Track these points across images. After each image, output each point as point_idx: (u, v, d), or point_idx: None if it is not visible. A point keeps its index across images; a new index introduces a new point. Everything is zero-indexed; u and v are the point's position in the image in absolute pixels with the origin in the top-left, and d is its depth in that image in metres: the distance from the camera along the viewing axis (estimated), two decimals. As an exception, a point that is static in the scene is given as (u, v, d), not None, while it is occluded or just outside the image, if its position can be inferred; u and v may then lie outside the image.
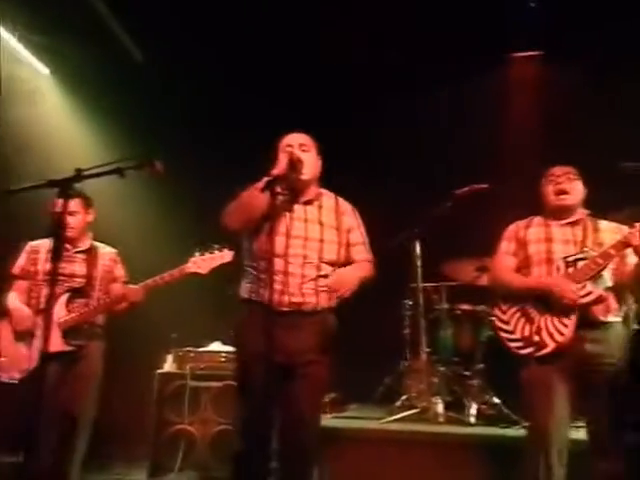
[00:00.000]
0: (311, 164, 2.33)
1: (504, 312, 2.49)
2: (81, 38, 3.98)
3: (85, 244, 2.99)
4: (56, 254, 1.76)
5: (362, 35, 4.00)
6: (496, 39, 4.10)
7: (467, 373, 3.91)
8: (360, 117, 4.79)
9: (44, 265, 2.89)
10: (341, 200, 2.45)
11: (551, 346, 2.31)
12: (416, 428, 3.37)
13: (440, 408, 3.52)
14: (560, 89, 4.30)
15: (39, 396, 1.68)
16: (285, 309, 2.19)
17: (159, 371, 3.92)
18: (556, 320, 2.33)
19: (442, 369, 3.92)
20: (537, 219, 2.59)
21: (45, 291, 2.80)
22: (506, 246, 2.58)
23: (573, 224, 2.49)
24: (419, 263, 3.89)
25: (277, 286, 2.15)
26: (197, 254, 2.81)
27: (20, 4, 3.71)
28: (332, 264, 2.31)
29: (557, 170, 2.55)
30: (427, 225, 3.84)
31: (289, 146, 2.32)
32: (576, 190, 2.51)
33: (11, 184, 3.03)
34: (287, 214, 2.26)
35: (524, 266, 2.50)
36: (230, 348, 3.94)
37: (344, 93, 4.62)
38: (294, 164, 2.18)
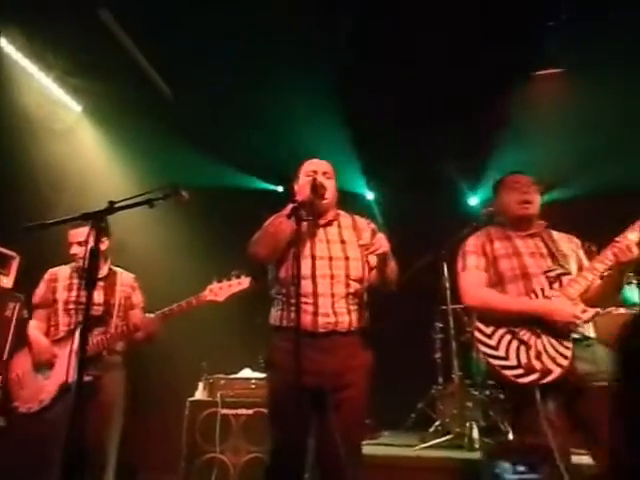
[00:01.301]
0: (332, 189, 2.38)
1: (489, 336, 2.21)
2: (112, 76, 4.15)
3: (103, 271, 2.98)
4: (89, 285, 1.81)
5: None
6: (519, 58, 4.10)
7: (502, 397, 3.80)
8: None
9: (62, 293, 2.91)
10: (357, 217, 2.47)
11: (557, 371, 2.08)
12: (451, 455, 3.28)
13: (475, 434, 3.43)
14: (582, 105, 4.28)
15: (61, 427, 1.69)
16: (320, 330, 2.18)
17: (190, 399, 3.94)
18: (555, 342, 2.14)
19: (476, 393, 3.82)
20: (494, 231, 2.43)
21: (64, 319, 2.84)
22: (475, 261, 2.36)
23: (532, 235, 2.37)
24: (447, 285, 3.84)
25: (309, 308, 2.16)
26: (215, 282, 2.81)
27: (55, 48, 3.92)
28: (359, 281, 2.30)
29: (521, 178, 2.43)
30: (455, 245, 3.81)
31: (314, 172, 2.38)
32: (537, 200, 2.39)
33: (47, 218, 3.20)
34: (309, 237, 2.29)
35: (496, 283, 2.31)
36: (260, 375, 3.94)
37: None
38: (317, 189, 2.23)
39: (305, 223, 2.21)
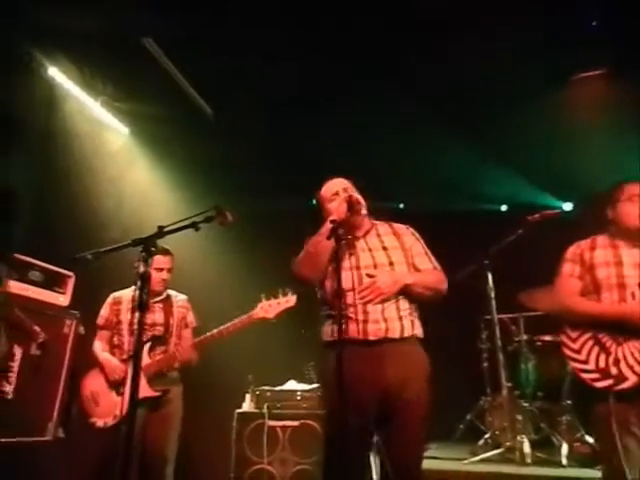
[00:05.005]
0: (362, 200, 2.38)
1: (574, 340, 2.31)
2: (156, 99, 4.32)
3: (163, 294, 3.24)
4: (141, 307, 1.90)
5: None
6: (560, 59, 4.00)
7: (554, 409, 3.69)
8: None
9: (126, 315, 3.14)
10: (395, 224, 2.47)
11: (632, 379, 2.12)
12: (502, 470, 3.20)
13: (527, 447, 3.33)
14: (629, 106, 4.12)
15: (130, 440, 1.78)
16: (370, 338, 2.15)
17: (238, 411, 4.01)
18: (636, 350, 2.16)
19: (526, 405, 3.73)
20: (601, 239, 2.40)
21: (130, 340, 3.06)
22: (570, 268, 2.40)
23: None
24: (492, 294, 3.77)
25: (359, 317, 2.16)
26: (264, 300, 3.00)
27: (105, 76, 4.14)
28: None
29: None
30: (498, 254, 3.74)
31: (344, 190, 2.38)
32: None
33: (103, 240, 3.36)
34: (351, 251, 2.31)
35: (591, 291, 2.33)
36: (305, 387, 3.97)
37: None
38: (353, 206, 2.24)
39: (344, 241, 2.21)
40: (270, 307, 2.97)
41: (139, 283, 1.91)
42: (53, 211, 3.79)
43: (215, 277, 4.60)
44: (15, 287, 3.10)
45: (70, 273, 3.49)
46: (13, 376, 3.00)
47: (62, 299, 3.44)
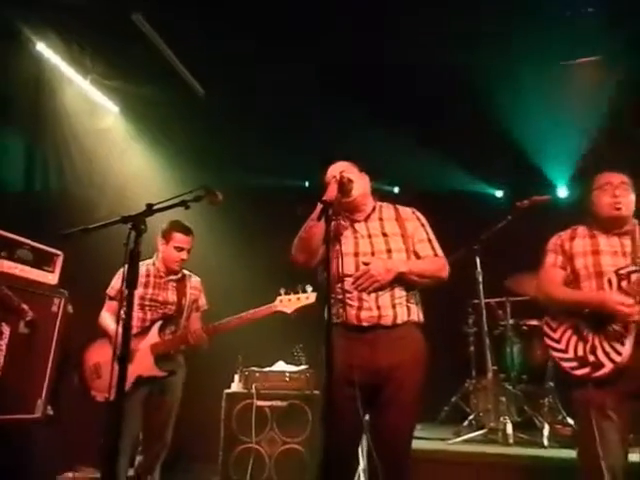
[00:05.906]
0: (361, 182, 2.37)
1: (554, 330, 2.36)
2: (146, 77, 4.27)
3: (179, 273, 3.17)
4: (130, 286, 1.90)
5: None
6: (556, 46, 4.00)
7: (537, 392, 3.77)
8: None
9: (138, 289, 2.92)
10: (401, 207, 2.44)
11: (609, 367, 2.17)
12: (485, 450, 3.28)
13: (509, 429, 3.40)
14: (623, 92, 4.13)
15: (120, 419, 1.80)
16: (364, 324, 2.18)
17: (227, 391, 4.05)
18: (612, 338, 2.20)
19: (510, 387, 3.80)
20: (581, 229, 2.45)
21: (138, 315, 2.98)
22: (553, 259, 2.45)
23: (621, 234, 2.35)
24: (480, 278, 3.81)
25: (353, 303, 2.19)
26: (283, 294, 2.91)
27: (94, 53, 4.07)
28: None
29: (613, 178, 2.39)
30: (488, 239, 3.77)
31: (334, 177, 2.35)
32: (630, 201, 2.36)
33: (92, 217, 3.33)
34: (351, 234, 2.32)
35: (572, 280, 2.38)
36: (294, 368, 4.01)
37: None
38: (343, 186, 2.24)
39: (334, 223, 2.19)
40: (289, 302, 2.89)
41: (128, 261, 1.90)
42: (41, 189, 3.76)
43: (203, 258, 4.59)
44: (3, 265, 3.08)
45: (59, 252, 3.47)
46: (1, 354, 2.99)
47: (51, 277, 3.42)
